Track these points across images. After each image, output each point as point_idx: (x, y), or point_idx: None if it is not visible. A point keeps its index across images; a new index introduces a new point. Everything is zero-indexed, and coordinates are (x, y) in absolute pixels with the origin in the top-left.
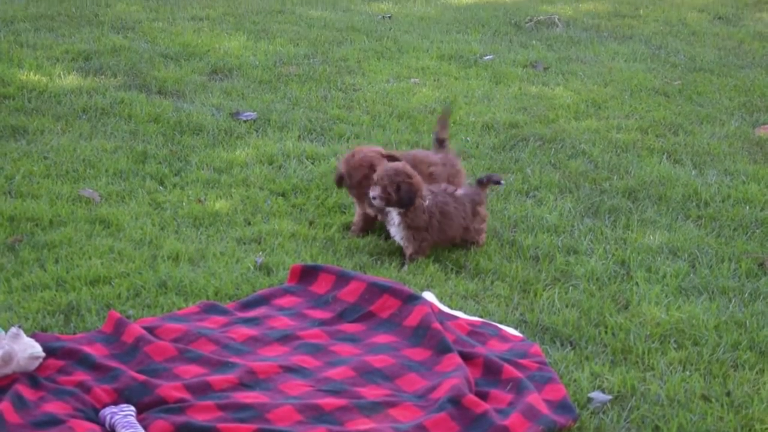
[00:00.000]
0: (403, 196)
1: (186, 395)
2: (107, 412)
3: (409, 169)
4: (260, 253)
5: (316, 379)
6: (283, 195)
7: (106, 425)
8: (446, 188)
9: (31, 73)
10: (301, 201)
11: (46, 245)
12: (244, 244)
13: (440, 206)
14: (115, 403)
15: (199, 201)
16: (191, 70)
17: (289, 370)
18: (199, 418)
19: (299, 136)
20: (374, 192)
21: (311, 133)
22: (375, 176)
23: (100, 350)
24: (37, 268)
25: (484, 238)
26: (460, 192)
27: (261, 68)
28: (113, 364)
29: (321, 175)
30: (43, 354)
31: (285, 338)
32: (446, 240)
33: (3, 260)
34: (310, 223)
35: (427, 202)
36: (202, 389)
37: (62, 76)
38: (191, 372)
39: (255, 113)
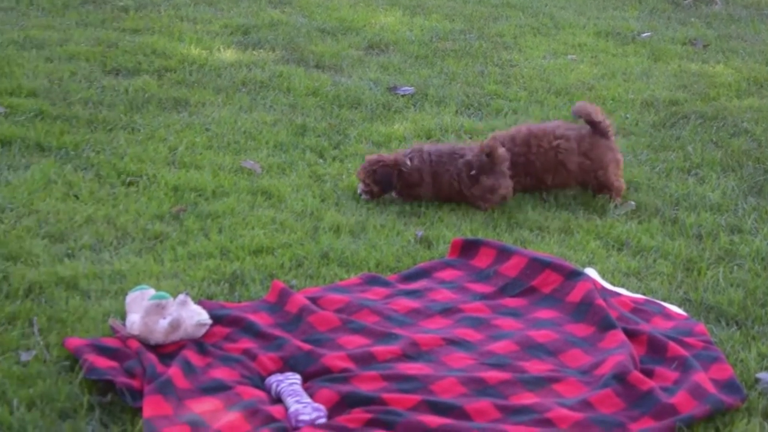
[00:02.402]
0: (380, 180)
1: (350, 365)
2: (273, 379)
3: (376, 156)
4: (420, 226)
5: (479, 352)
6: None
7: (272, 393)
8: (452, 150)
9: (192, 47)
10: None
11: (210, 215)
12: (404, 217)
13: (434, 166)
14: (281, 371)
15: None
16: (348, 44)
17: (452, 342)
18: (364, 388)
19: (456, 111)
20: (359, 189)
21: (468, 108)
22: (357, 173)
23: (265, 319)
24: (202, 237)
25: (489, 207)
26: (466, 158)
27: (417, 43)
28: (278, 332)
29: None
30: (210, 321)
31: (447, 311)
32: (443, 197)
33: (168, 229)
34: None
35: (410, 163)
36: (366, 360)
37: (221, 49)
38: (355, 342)
39: (412, 88)
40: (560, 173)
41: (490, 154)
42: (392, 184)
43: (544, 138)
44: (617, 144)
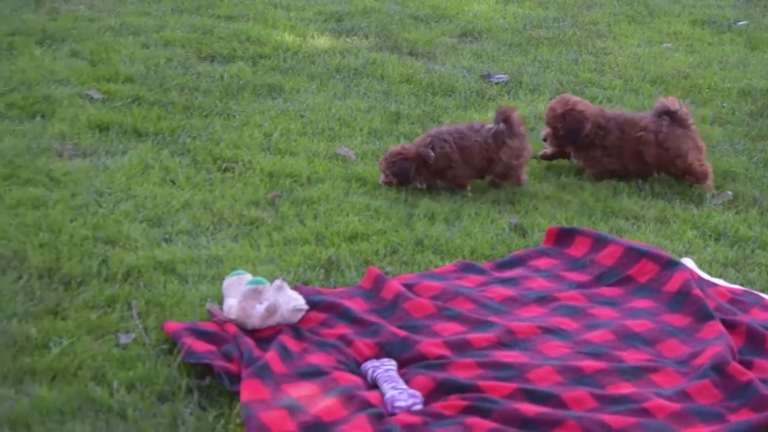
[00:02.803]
0: (397, 174)
1: (446, 352)
2: (369, 365)
3: (398, 147)
4: (515, 214)
5: (575, 341)
6: (536, 157)
7: (368, 378)
8: (471, 126)
9: (286, 34)
10: (555, 164)
11: (305, 201)
12: (499, 205)
13: (458, 143)
14: (377, 357)
15: None
16: (441, 32)
17: (548, 331)
18: (460, 375)
19: (550, 99)
20: (381, 178)
21: None
22: (380, 162)
23: (361, 305)
24: (297, 223)
25: (521, 177)
26: (487, 127)
27: (510, 31)
28: (374, 318)
29: None
30: (306, 307)
31: (542, 299)
32: (475, 172)
33: (264, 215)
34: (564, 187)
35: (432, 154)
36: (461, 347)
37: (315, 36)
38: (450, 329)
39: (506, 75)
40: (641, 162)
41: (506, 119)
42: (409, 177)
43: (634, 127)
44: (710, 132)
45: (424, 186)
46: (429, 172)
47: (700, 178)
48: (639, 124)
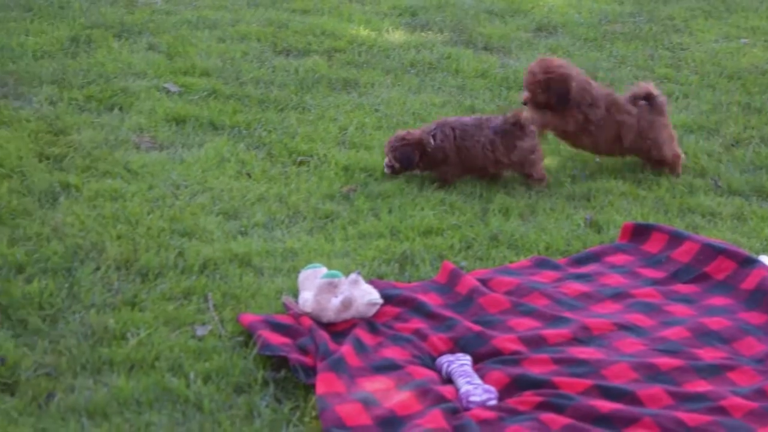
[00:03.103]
0: (400, 159)
1: (521, 348)
2: (444, 360)
3: (404, 132)
4: (590, 210)
5: (651, 338)
6: None
7: (443, 373)
8: (479, 121)
9: (361, 28)
10: (630, 159)
11: (380, 195)
12: (573, 200)
13: (458, 141)
14: (451, 351)
15: None
16: (516, 26)
17: (623, 327)
18: (535, 371)
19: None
20: (385, 163)
21: None
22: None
23: (435, 299)
24: (372, 217)
25: (542, 173)
26: (493, 125)
27: (586, 26)
28: (448, 313)
29: None
30: (380, 301)
31: (618, 296)
32: (472, 171)
33: (339, 208)
34: (639, 183)
35: (433, 141)
36: (536, 342)
37: (390, 30)
38: (525, 325)
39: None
40: (616, 144)
41: (516, 122)
42: (412, 163)
43: (619, 110)
44: None
45: (419, 172)
46: (426, 161)
47: (673, 166)
48: (624, 108)
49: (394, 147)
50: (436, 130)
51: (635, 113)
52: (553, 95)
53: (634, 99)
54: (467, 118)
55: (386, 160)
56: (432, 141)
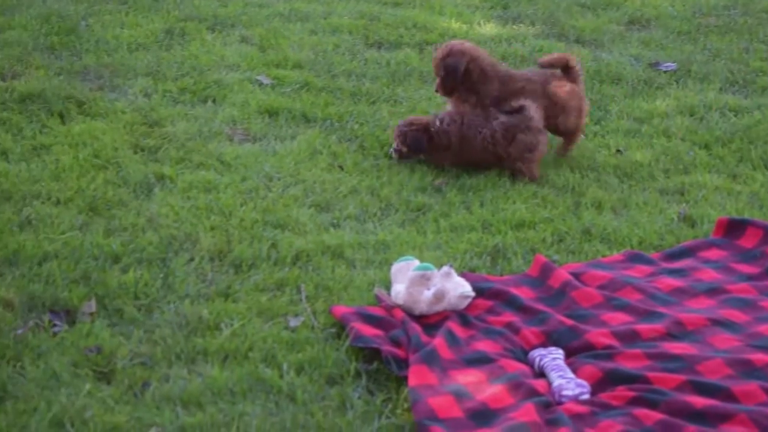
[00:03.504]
0: (410, 143)
1: (614, 342)
2: (536, 354)
3: (416, 117)
4: (683, 204)
5: (746, 334)
6: (705, 147)
7: (535, 367)
8: (487, 113)
9: (452, 20)
10: (724, 153)
11: (471, 188)
12: (667, 195)
13: (464, 130)
14: (544, 345)
15: (618, 152)
16: (608, 19)
17: (717, 323)
18: (628, 366)
19: (720, 89)
20: (391, 149)
21: (733, 86)
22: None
23: (527, 293)
24: (464, 210)
25: (533, 173)
26: (500, 119)
27: (679, 19)
28: (540, 307)
29: (745, 128)
30: (473, 293)
31: (712, 291)
32: (470, 162)
33: (431, 201)
34: (734, 177)
35: (438, 124)
36: (629, 337)
37: (481, 23)
38: (618, 319)
39: (675, 64)
40: None
41: (521, 109)
42: (422, 147)
43: (513, 80)
44: None
45: (424, 158)
46: (431, 146)
47: (571, 138)
48: (518, 77)
49: (403, 131)
50: (445, 115)
51: (539, 80)
52: (444, 71)
53: (547, 66)
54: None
55: (394, 144)
56: (437, 123)
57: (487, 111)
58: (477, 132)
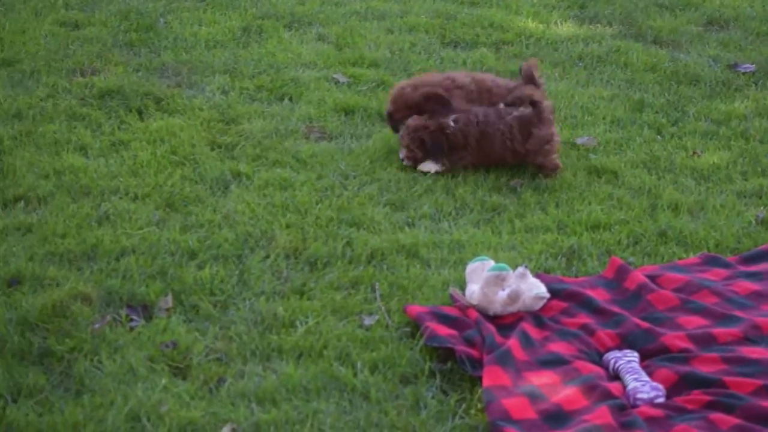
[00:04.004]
0: (431, 147)
1: (689, 345)
2: (611, 356)
3: (425, 121)
4: (761, 207)
5: None
6: None
7: (610, 369)
8: (497, 110)
9: (529, 20)
10: None
11: (547, 189)
12: (744, 197)
13: (481, 127)
14: (619, 348)
15: (695, 153)
16: (687, 20)
17: None
18: (704, 370)
19: None
20: (401, 154)
21: None
22: (399, 138)
23: (602, 295)
24: (539, 211)
25: (556, 162)
26: (514, 114)
27: (759, 20)
28: (616, 309)
29: None
30: (547, 295)
31: None
32: (489, 161)
33: (506, 201)
34: None
35: (453, 124)
36: (705, 341)
37: (558, 23)
38: (694, 323)
39: (753, 65)
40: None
41: (533, 103)
42: (443, 150)
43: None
44: None
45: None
46: (447, 147)
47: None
48: (458, 82)
49: (418, 137)
50: (459, 114)
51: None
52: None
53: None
54: (488, 108)
55: (404, 151)
56: (452, 123)
57: (497, 108)
58: (495, 129)
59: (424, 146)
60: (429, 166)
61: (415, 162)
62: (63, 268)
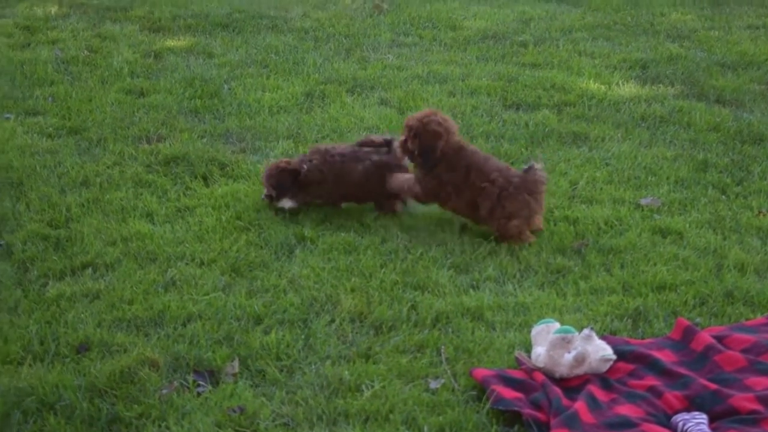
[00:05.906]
0: (275, 185)
1: (759, 407)
2: (680, 418)
3: (284, 161)
4: None
5: None
6: None
7: (678, 431)
8: (355, 150)
9: (590, 81)
10: None
11: (611, 250)
12: None
13: (336, 168)
14: (687, 409)
15: (761, 213)
16: (749, 78)
17: None
18: None
19: None
20: (263, 195)
21: None
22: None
23: (669, 356)
24: (604, 272)
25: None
26: (374, 158)
27: None
28: (683, 370)
29: None
30: (614, 357)
31: None
32: (344, 197)
33: (570, 263)
34: None
35: (305, 167)
36: None
37: (620, 84)
38: (762, 384)
39: None
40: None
41: (389, 146)
42: (285, 188)
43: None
44: None
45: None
46: (303, 184)
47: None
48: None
49: (270, 175)
50: (313, 155)
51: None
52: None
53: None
54: (343, 146)
55: (265, 190)
56: (304, 167)
57: (354, 149)
58: (352, 168)
59: (278, 186)
60: (285, 203)
61: (271, 200)
62: (130, 334)
